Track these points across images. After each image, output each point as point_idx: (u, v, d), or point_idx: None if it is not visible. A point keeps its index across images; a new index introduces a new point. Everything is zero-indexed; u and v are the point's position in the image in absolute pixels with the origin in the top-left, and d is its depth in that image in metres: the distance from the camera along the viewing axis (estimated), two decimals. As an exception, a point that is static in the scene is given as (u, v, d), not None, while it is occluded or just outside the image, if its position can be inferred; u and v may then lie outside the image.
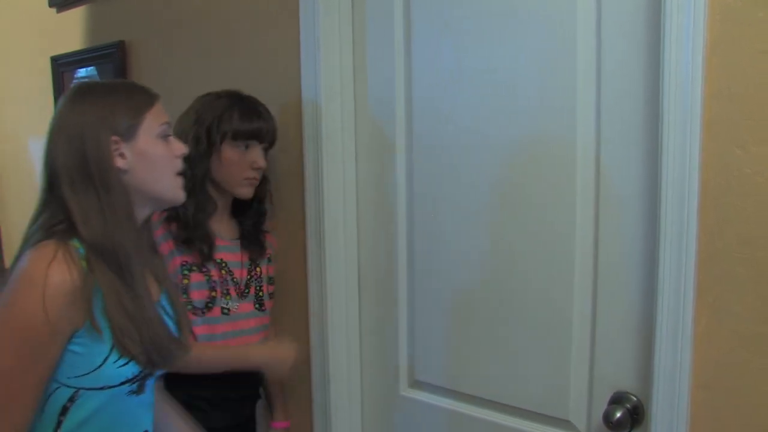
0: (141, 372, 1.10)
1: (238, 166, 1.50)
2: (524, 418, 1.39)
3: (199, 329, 1.50)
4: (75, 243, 1.05)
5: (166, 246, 1.48)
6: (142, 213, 1.15)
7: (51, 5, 2.46)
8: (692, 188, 1.10)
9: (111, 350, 1.05)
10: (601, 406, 1.27)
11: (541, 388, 1.36)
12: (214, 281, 1.52)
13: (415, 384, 1.60)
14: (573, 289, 1.30)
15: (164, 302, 1.21)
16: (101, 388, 1.07)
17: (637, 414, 1.22)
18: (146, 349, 1.07)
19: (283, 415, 1.74)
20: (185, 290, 1.49)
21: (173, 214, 1.48)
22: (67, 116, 1.10)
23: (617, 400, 1.25)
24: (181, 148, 1.18)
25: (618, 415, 1.21)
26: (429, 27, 1.47)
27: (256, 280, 1.60)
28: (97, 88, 1.15)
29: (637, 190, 1.20)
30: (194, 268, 1.50)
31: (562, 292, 1.31)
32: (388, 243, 1.60)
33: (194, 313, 1.50)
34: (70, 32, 2.40)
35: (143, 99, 1.15)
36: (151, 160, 1.12)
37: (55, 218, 1.07)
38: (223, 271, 1.54)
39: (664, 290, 1.13)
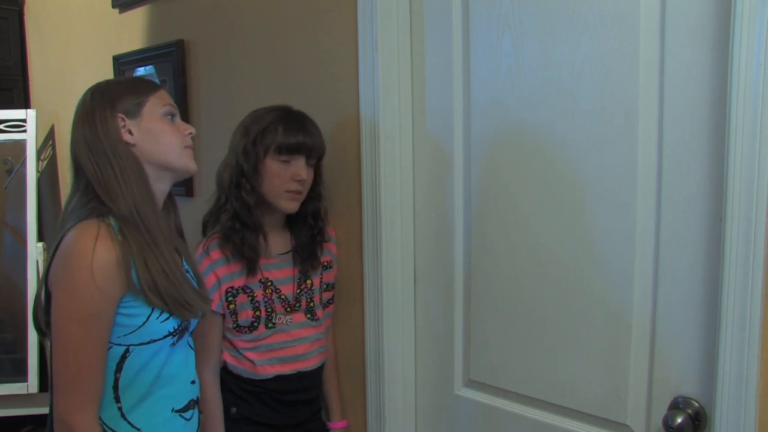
0: (180, 324, 1.26)
1: (280, 178, 1.52)
2: (581, 421, 1.38)
3: (245, 343, 1.59)
4: (110, 220, 1.20)
5: (213, 276, 1.55)
6: (160, 186, 1.30)
7: (114, 6, 2.53)
8: (761, 191, 1.07)
9: (153, 308, 1.21)
10: (661, 410, 1.25)
11: (599, 390, 1.34)
12: (258, 301, 1.57)
13: (470, 383, 1.60)
14: (633, 291, 1.28)
15: (186, 266, 1.37)
16: (148, 343, 1.23)
17: (699, 420, 1.20)
18: (173, 300, 1.21)
19: (340, 415, 1.76)
20: (233, 313, 1.56)
21: (227, 234, 1.54)
22: (84, 105, 1.27)
23: (678, 405, 1.22)
24: (188, 128, 1.33)
25: (679, 420, 1.19)
26: (488, 24, 1.46)
27: (306, 292, 1.63)
28: (110, 82, 1.33)
29: (701, 192, 1.18)
30: (239, 291, 1.56)
31: (621, 293, 1.29)
32: (444, 242, 1.61)
33: (240, 331, 1.58)
34: (132, 32, 2.46)
35: (147, 86, 1.32)
36: (156, 136, 1.27)
37: (86, 197, 1.23)
38: (268, 291, 1.58)
39: (730, 293, 1.11)
